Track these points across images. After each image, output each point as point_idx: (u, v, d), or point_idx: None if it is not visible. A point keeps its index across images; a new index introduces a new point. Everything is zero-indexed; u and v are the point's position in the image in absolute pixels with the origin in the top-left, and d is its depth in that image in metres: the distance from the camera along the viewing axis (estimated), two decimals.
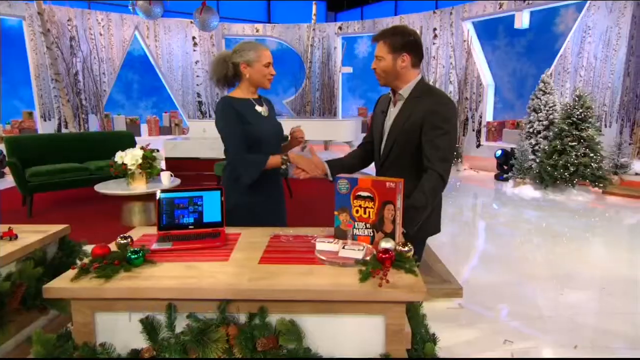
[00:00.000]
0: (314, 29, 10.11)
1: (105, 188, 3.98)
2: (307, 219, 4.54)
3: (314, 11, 9.96)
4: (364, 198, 1.61)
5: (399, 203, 1.58)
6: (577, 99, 5.86)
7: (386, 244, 1.48)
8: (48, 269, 1.74)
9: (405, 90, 1.86)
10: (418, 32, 9.19)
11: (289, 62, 10.48)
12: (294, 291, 1.29)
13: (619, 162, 6.14)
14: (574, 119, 5.82)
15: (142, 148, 3.92)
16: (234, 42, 10.64)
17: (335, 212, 1.68)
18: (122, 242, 1.55)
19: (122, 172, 3.86)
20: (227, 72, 1.99)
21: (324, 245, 1.54)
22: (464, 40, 8.24)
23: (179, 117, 9.57)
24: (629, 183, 6.08)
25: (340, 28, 10.20)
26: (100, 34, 8.39)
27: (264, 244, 1.67)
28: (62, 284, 1.30)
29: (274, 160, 1.95)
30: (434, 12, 8.75)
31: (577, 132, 5.81)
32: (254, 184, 1.99)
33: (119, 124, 8.78)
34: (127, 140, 5.45)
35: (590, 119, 5.81)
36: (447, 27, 8.49)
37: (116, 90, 9.23)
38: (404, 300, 1.28)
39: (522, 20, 7.38)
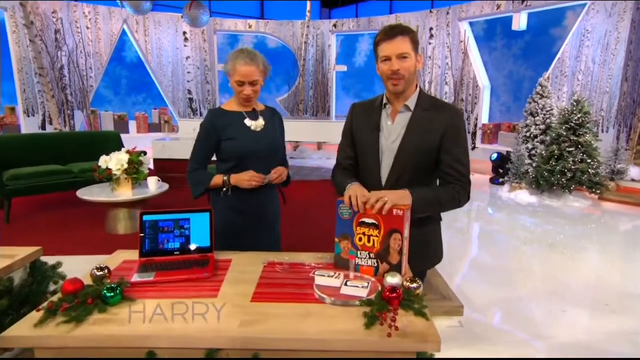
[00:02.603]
0: (307, 26, 9.90)
1: (89, 194, 3.77)
2: (301, 228, 4.39)
3: (308, 8, 9.75)
4: (369, 225, 1.47)
5: (407, 232, 1.44)
6: (575, 103, 5.78)
7: (392, 279, 1.34)
8: (15, 299, 1.56)
9: (412, 101, 1.61)
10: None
11: (282, 59, 10.28)
12: (290, 340, 1.14)
13: (616, 168, 6.08)
14: (572, 124, 5.74)
15: (128, 152, 3.72)
16: (227, 37, 10.40)
17: (336, 239, 1.54)
18: (97, 273, 1.38)
19: (107, 177, 3.66)
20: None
21: (324, 279, 1.39)
22: (461, 41, 8.12)
23: (169, 113, 9.32)
24: (625, 189, 6.03)
25: (334, 25, 10.01)
26: (87, 27, 8.10)
27: (257, 274, 1.52)
28: (22, 331, 1.13)
29: (215, 180, 1.87)
30: (430, 12, 8.61)
31: (575, 138, 5.73)
32: (238, 201, 1.91)
33: (106, 120, 8.51)
34: (113, 141, 5.23)
35: (587, 124, 5.73)
36: (444, 27, 8.36)
37: (103, 85, 8.96)
38: (416, 351, 1.14)
39: (520, 21, 7.27)
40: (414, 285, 1.32)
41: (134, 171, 3.64)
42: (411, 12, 8.96)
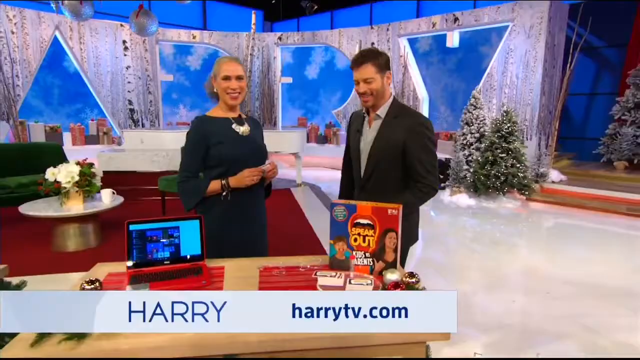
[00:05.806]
0: (253, 38, 9.92)
1: (33, 209, 3.44)
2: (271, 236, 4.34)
3: (253, 20, 9.76)
4: (364, 226, 1.55)
5: (400, 230, 1.54)
6: (505, 114, 6.38)
7: (392, 275, 1.42)
8: None
9: (382, 110, 1.92)
10: (357, 45, 9.56)
11: None
12: (308, 339, 1.17)
13: (539, 172, 6.78)
14: (503, 133, 6.32)
15: (78, 163, 3.47)
16: (172, 47, 10.10)
17: (331, 241, 1.60)
18: (88, 287, 1.32)
19: (55, 191, 3.38)
20: (212, 90, 1.93)
21: (327, 279, 1.45)
22: (401, 56, 8.60)
23: (108, 125, 8.77)
24: (548, 190, 6.73)
25: (280, 38, 10.13)
26: (13, 32, 7.43)
27: (255, 279, 1.53)
28: (17, 353, 1.06)
29: (213, 186, 1.86)
30: (372, 28, 9.04)
31: (506, 145, 6.32)
32: (234, 206, 1.89)
33: (37, 132, 7.79)
34: (52, 153, 4.83)
35: (516, 133, 6.35)
36: (385, 42, 8.81)
37: (33, 95, 8.21)
38: (429, 340, 1.23)
39: (453, 39, 7.89)
40: (414, 279, 1.41)
41: (86, 184, 3.40)
42: (353, 27, 9.33)
